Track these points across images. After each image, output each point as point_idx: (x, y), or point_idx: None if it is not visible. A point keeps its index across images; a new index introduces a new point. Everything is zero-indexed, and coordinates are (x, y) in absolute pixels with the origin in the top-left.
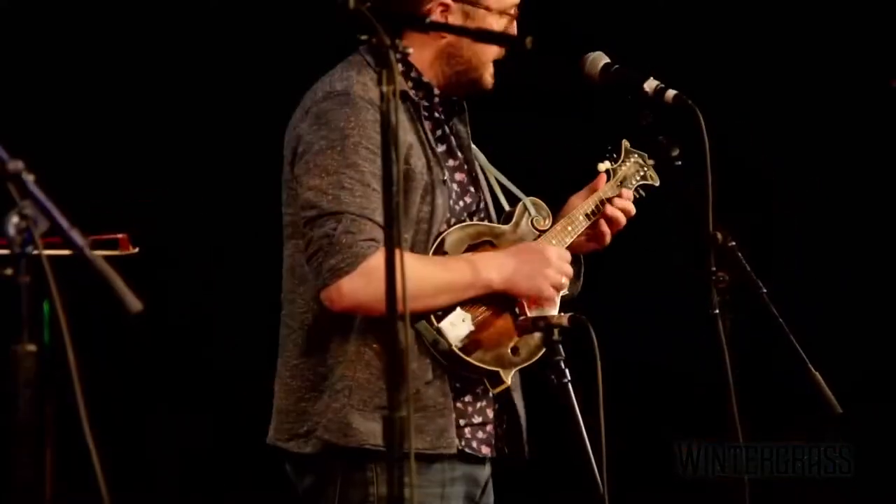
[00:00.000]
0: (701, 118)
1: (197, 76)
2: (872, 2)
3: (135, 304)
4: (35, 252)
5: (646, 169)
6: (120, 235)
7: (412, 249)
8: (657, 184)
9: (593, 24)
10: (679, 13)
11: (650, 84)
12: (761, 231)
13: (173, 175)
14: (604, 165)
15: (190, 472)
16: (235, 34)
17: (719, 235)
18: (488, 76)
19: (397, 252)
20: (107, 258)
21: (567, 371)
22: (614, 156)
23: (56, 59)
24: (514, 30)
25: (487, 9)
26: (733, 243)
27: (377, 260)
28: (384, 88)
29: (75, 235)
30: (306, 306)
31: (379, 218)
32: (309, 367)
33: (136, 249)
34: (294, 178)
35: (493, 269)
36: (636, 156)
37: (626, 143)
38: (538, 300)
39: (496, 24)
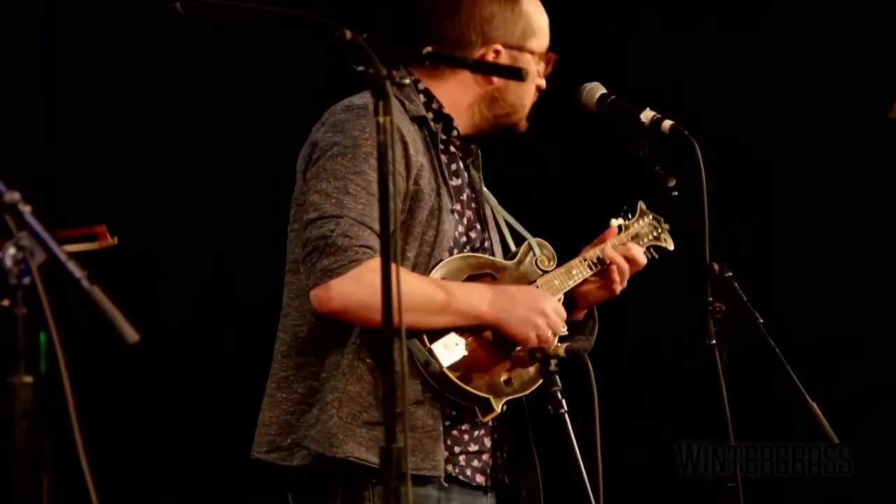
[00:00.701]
0: (698, 149)
1: (212, 102)
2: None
3: (132, 335)
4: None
5: (660, 231)
6: (97, 228)
7: (412, 269)
8: (671, 247)
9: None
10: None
11: (647, 115)
12: (762, 230)
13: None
14: (616, 221)
15: (188, 501)
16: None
17: (716, 266)
18: (525, 121)
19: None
20: (87, 252)
21: (564, 402)
22: (629, 214)
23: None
24: (548, 72)
25: (532, 53)
26: (730, 274)
27: (370, 266)
28: (381, 119)
29: (73, 267)
30: (301, 319)
31: (378, 227)
32: (300, 379)
33: (115, 240)
34: (305, 182)
35: (487, 302)
36: (651, 217)
37: (641, 204)
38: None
39: (538, 68)
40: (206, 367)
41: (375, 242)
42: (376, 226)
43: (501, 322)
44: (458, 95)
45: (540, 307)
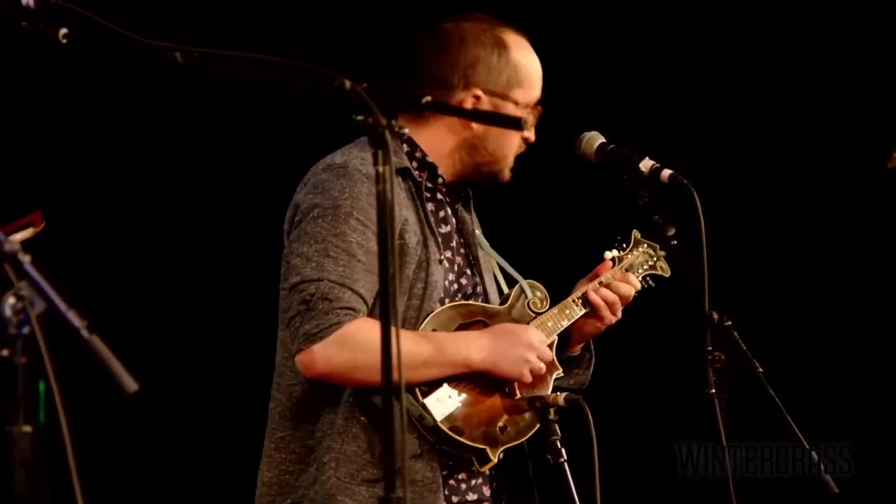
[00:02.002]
0: (696, 198)
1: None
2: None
3: (131, 384)
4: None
5: (655, 259)
6: (34, 214)
7: (402, 324)
8: (667, 274)
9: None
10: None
11: (646, 164)
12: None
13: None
14: (610, 253)
15: None
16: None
17: (715, 315)
18: (508, 170)
19: (374, 323)
20: (26, 240)
21: (563, 451)
22: (623, 245)
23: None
24: (532, 124)
25: (515, 102)
26: (729, 323)
27: (352, 328)
28: (379, 168)
29: (72, 317)
30: (295, 378)
31: (360, 288)
32: (296, 439)
33: (43, 224)
34: (289, 245)
35: (474, 349)
36: (646, 246)
37: (636, 233)
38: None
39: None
40: (206, 420)
41: (357, 303)
42: (358, 286)
43: (493, 367)
44: (439, 142)
45: (525, 341)
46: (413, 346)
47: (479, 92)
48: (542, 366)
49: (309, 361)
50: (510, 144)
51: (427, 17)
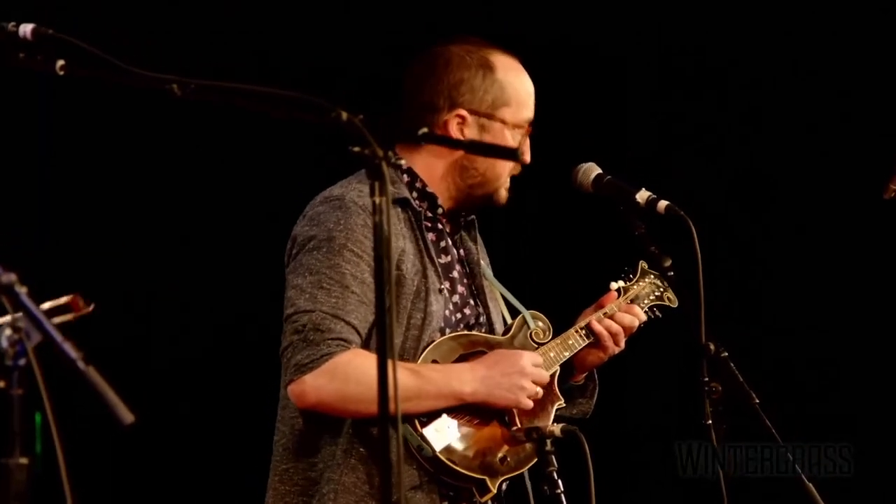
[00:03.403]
0: (693, 228)
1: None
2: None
3: (127, 416)
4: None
5: (662, 290)
6: (67, 298)
7: (401, 355)
8: (674, 305)
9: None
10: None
11: (642, 195)
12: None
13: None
14: (616, 284)
15: None
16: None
17: (712, 346)
18: (503, 191)
19: (366, 354)
20: (63, 323)
21: (560, 482)
22: (630, 276)
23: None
24: (527, 144)
25: (503, 122)
26: (725, 353)
27: (342, 359)
28: (376, 199)
29: (68, 348)
30: (297, 410)
31: (353, 319)
32: (299, 471)
33: (92, 306)
34: (286, 277)
35: (467, 381)
36: (652, 276)
37: (642, 264)
38: (531, 409)
39: (511, 138)
40: (206, 454)
41: (350, 334)
42: (351, 318)
43: (486, 397)
44: (432, 167)
45: (518, 368)
46: (407, 379)
47: (463, 112)
48: (539, 390)
49: (300, 392)
50: (502, 164)
51: (422, 47)
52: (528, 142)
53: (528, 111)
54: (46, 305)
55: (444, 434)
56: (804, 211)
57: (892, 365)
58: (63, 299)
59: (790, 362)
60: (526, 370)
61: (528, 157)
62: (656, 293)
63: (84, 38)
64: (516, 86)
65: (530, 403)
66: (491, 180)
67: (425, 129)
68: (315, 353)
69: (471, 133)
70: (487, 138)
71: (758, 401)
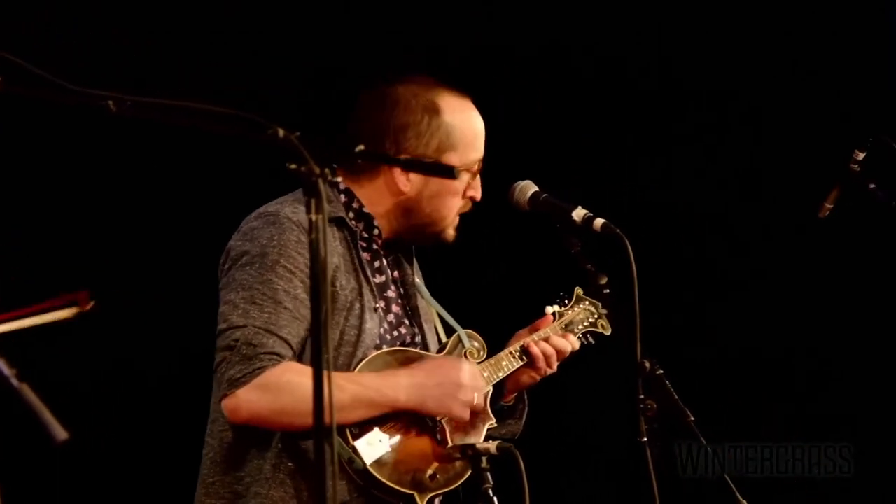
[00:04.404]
0: (629, 246)
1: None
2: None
3: (61, 433)
4: None
5: (596, 317)
6: (79, 294)
7: (334, 369)
8: (608, 332)
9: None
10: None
11: (578, 213)
12: None
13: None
14: (551, 308)
15: None
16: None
17: (647, 363)
18: (451, 230)
19: (298, 367)
20: (67, 319)
21: (496, 499)
22: (565, 301)
23: None
24: (477, 183)
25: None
26: (661, 371)
27: (275, 373)
28: (313, 217)
29: (2, 365)
30: (226, 424)
31: (285, 334)
32: (225, 484)
33: (92, 304)
34: (219, 292)
35: (402, 388)
36: (587, 303)
37: (578, 290)
38: (462, 427)
39: (459, 181)
40: (142, 467)
41: (282, 349)
42: (283, 332)
43: (421, 405)
44: (375, 201)
45: (455, 380)
46: (343, 386)
47: (408, 157)
48: (477, 400)
49: (234, 406)
50: (447, 206)
51: (374, 73)
52: (478, 180)
53: (476, 152)
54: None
55: (376, 448)
56: (801, 208)
57: (892, 365)
58: (70, 296)
59: (790, 362)
60: (463, 381)
61: (478, 195)
62: (590, 319)
63: (16, 53)
64: (463, 128)
65: (465, 414)
66: (436, 221)
67: (362, 146)
68: (248, 368)
69: (416, 179)
70: (433, 184)
71: (693, 418)
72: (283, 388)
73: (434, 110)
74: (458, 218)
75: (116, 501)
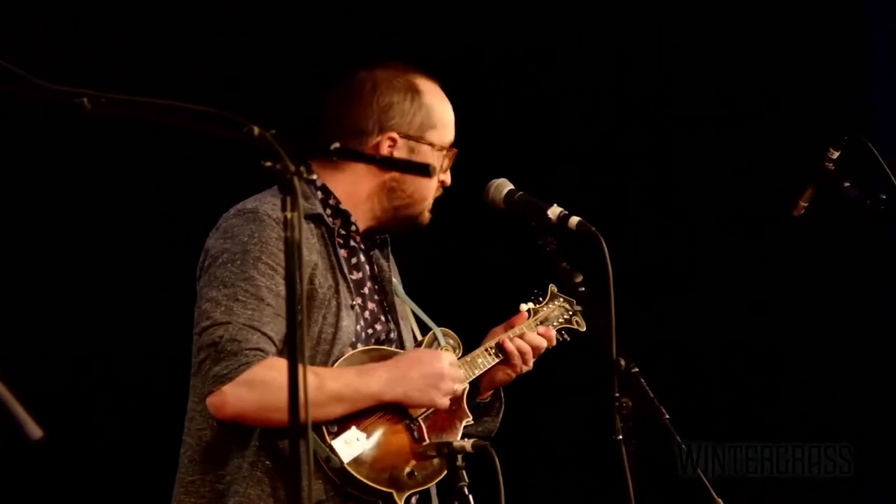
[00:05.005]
0: (604, 244)
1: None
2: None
3: (35, 431)
4: None
5: (571, 314)
6: None
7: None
8: (583, 329)
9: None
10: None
11: (554, 211)
12: None
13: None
14: (526, 305)
15: None
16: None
17: (622, 361)
18: (427, 213)
19: (283, 362)
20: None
21: (471, 497)
22: (540, 298)
23: None
24: (447, 170)
25: (431, 145)
26: (636, 369)
27: (261, 369)
28: (288, 214)
29: None
30: (205, 423)
31: (269, 330)
32: (206, 483)
33: None
34: (199, 290)
35: (384, 381)
36: (562, 300)
37: (552, 287)
38: (439, 424)
39: (437, 160)
40: (117, 465)
41: (266, 344)
42: (266, 329)
43: (403, 397)
44: (356, 187)
45: (436, 370)
46: (321, 382)
47: (394, 135)
48: (458, 387)
49: (220, 403)
50: (428, 186)
51: (344, 68)
52: (449, 167)
53: (451, 134)
54: None
55: (353, 446)
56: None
57: (892, 365)
58: None
59: (790, 362)
60: (444, 371)
61: (448, 180)
62: (565, 316)
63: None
64: (440, 110)
65: (446, 403)
66: (418, 201)
67: (337, 144)
68: (234, 364)
69: (400, 154)
70: (417, 160)
71: (667, 416)
72: (269, 384)
73: (416, 90)
74: (432, 202)
75: (90, 501)
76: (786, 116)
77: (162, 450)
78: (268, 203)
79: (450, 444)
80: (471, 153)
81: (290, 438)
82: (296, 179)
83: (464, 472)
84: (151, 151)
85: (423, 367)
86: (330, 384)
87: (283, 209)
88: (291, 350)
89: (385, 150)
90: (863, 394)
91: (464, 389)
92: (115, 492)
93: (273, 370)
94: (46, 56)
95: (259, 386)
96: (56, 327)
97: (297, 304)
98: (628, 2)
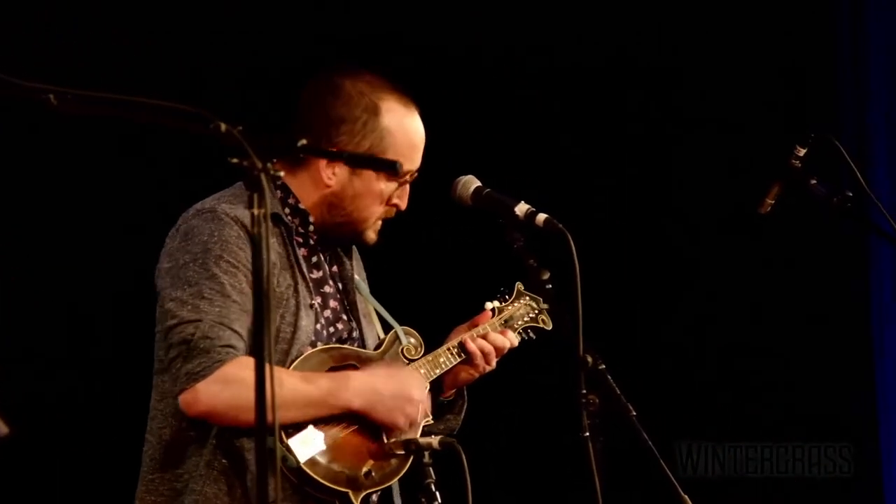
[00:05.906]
0: (571, 241)
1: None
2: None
3: (2, 429)
4: None
5: (537, 312)
6: None
7: None
8: (549, 328)
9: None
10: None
11: (521, 208)
12: None
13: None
14: (491, 304)
15: None
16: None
17: (589, 358)
18: (371, 233)
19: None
20: None
21: (438, 494)
22: (506, 296)
23: None
24: (404, 193)
25: (376, 171)
26: (603, 366)
27: (234, 366)
28: (255, 211)
29: None
30: (165, 421)
31: (238, 327)
32: (165, 481)
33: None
34: (160, 292)
35: (357, 392)
36: (528, 298)
37: (519, 286)
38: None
39: (383, 188)
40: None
41: (237, 341)
42: (236, 326)
43: (370, 411)
44: (306, 192)
45: (407, 394)
46: (296, 385)
47: (352, 152)
48: (419, 419)
49: (192, 400)
50: (368, 209)
51: (329, 64)
52: (406, 189)
53: (408, 163)
54: None
55: (310, 446)
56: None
57: (892, 365)
58: None
59: (791, 362)
60: (414, 396)
61: (403, 205)
62: (531, 315)
63: None
64: (399, 136)
65: (406, 428)
66: (357, 221)
67: (304, 141)
68: (207, 361)
69: (341, 173)
70: (357, 182)
71: (634, 413)
72: (243, 382)
73: (374, 112)
74: (379, 222)
75: (56, 500)
76: (752, 114)
77: (131, 447)
78: (226, 202)
79: (417, 441)
80: (470, 153)
81: (257, 438)
82: (263, 176)
83: (430, 470)
84: (151, 151)
85: (395, 385)
86: (302, 389)
87: (251, 206)
88: (258, 347)
89: (324, 165)
90: (863, 394)
91: (426, 388)
92: (82, 490)
93: (248, 369)
94: (9, 52)
95: (233, 384)
96: (22, 325)
97: (265, 300)
98: (628, 2)
